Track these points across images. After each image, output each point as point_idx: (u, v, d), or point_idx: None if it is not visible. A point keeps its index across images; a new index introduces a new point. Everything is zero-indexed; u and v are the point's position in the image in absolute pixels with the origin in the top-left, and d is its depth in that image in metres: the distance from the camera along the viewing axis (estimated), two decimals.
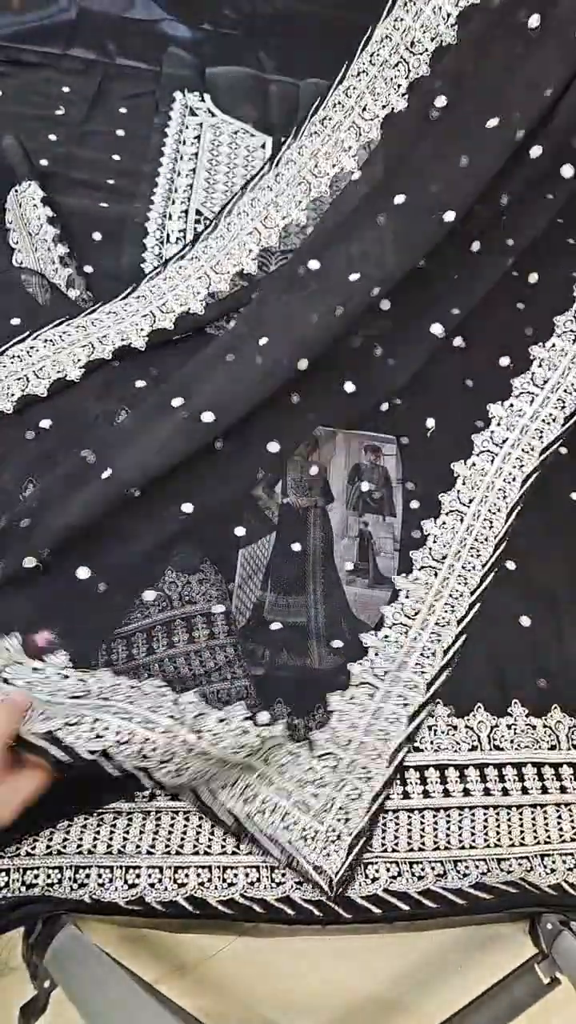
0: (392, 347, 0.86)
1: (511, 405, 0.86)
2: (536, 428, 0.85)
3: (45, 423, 0.77)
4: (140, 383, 0.81)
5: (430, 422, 0.85)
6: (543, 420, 0.85)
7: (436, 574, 0.77)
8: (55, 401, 0.79)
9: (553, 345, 0.88)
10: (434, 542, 0.79)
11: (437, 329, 0.86)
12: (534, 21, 0.74)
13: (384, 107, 0.86)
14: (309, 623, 0.74)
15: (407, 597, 0.76)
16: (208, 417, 0.72)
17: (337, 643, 0.73)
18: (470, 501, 0.81)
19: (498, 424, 0.85)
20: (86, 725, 0.53)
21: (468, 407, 0.87)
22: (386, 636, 0.73)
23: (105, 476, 0.70)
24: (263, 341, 0.77)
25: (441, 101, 0.81)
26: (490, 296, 0.88)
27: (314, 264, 0.82)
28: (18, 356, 0.80)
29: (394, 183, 0.82)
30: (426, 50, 0.83)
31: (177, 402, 0.75)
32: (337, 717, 0.68)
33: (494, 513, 0.80)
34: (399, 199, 0.80)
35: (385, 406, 0.86)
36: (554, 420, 0.85)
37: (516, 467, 0.83)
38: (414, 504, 0.82)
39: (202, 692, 0.63)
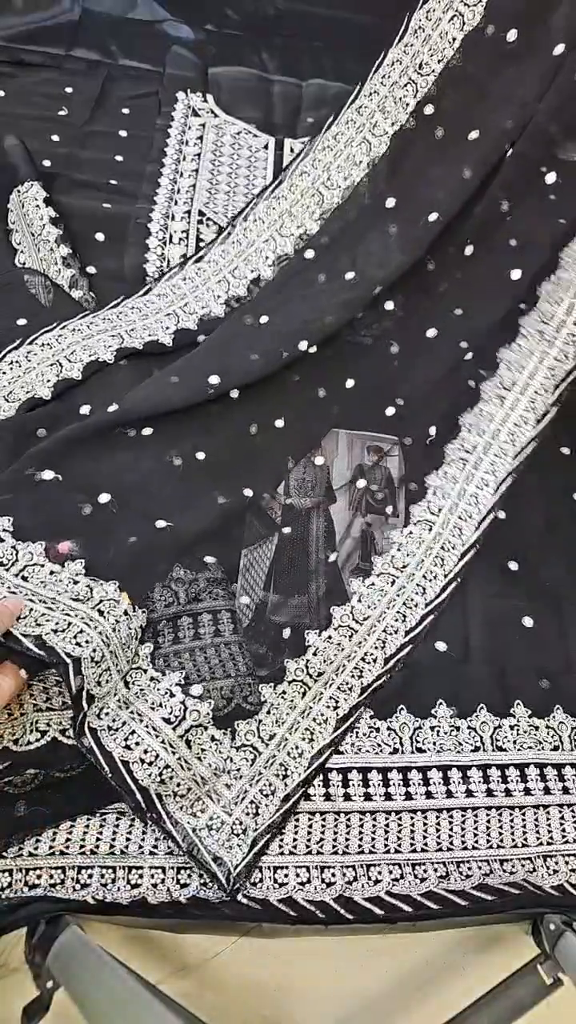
0: (401, 347, 0.88)
1: (480, 410, 0.85)
2: (508, 432, 0.84)
3: (85, 409, 0.78)
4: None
5: (432, 430, 0.85)
6: (514, 423, 0.84)
7: (393, 582, 0.76)
8: (90, 385, 0.79)
9: (519, 346, 0.86)
10: (398, 550, 0.78)
11: (431, 333, 0.88)
12: (512, 36, 0.79)
13: (393, 124, 0.89)
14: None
15: (359, 601, 0.75)
16: (214, 380, 0.77)
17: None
18: (439, 510, 0.81)
19: (468, 431, 0.85)
20: (71, 633, 0.57)
21: (443, 415, 0.87)
22: (329, 637, 0.73)
23: (111, 410, 0.75)
24: (264, 319, 0.84)
25: (445, 119, 0.85)
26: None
27: (322, 276, 0.87)
28: (48, 344, 0.81)
29: (393, 192, 0.87)
30: (433, 71, 0.86)
31: (180, 369, 0.79)
32: (266, 709, 0.68)
33: (464, 520, 0.80)
34: (391, 203, 0.87)
35: (391, 410, 0.86)
36: (526, 422, 0.84)
37: (488, 472, 0.82)
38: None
39: (160, 652, 0.67)
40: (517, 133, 0.80)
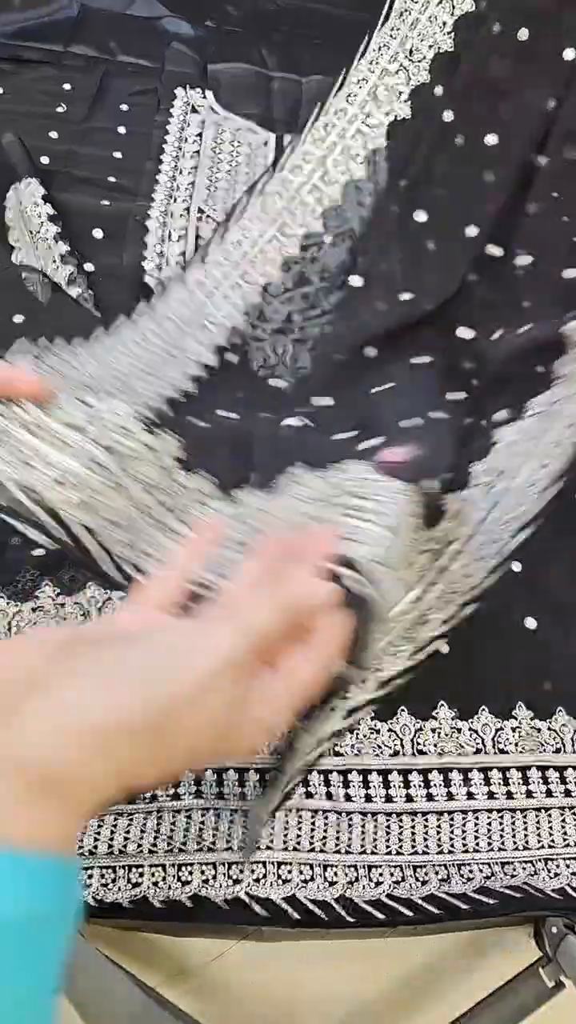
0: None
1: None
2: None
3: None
4: None
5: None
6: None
7: None
8: None
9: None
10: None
11: (467, 334, 0.81)
12: (523, 35, 0.76)
13: (388, 114, 0.87)
14: None
15: None
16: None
17: None
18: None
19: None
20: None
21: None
22: None
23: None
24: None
25: (448, 115, 0.81)
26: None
27: (357, 281, 0.83)
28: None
29: (416, 198, 0.83)
30: (424, 57, 0.84)
31: None
32: None
33: (476, 560, 0.66)
34: (422, 216, 0.81)
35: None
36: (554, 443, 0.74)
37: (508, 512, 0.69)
38: None
39: None
40: (541, 139, 0.76)
